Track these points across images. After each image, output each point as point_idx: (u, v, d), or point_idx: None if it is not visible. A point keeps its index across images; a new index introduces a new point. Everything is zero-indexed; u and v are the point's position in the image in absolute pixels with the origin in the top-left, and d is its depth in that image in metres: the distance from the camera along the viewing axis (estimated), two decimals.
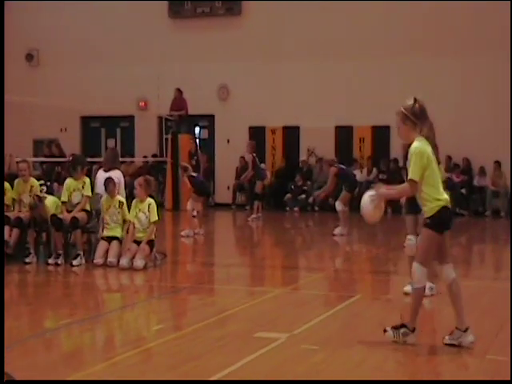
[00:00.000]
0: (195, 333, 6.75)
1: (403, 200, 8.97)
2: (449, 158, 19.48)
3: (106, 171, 11.54)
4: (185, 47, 22.88)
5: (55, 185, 17.13)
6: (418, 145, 6.10)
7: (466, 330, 6.10)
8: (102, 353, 6.29)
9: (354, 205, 19.05)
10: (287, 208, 21.51)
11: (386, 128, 21.18)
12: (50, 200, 11.31)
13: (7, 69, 23.99)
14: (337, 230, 14.89)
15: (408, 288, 8.54)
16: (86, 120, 24.53)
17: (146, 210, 10.61)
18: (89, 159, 17.29)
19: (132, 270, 10.14)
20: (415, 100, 6.19)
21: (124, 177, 12.20)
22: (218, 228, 18.43)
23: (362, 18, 21.21)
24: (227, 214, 21.14)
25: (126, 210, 10.90)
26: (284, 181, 21.98)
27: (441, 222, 6.10)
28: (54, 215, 10.86)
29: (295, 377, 5.36)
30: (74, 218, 10.82)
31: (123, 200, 10.97)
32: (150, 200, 10.75)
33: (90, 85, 23.42)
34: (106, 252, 10.61)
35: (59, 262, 10.69)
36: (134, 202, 10.81)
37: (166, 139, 21.70)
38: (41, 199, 11.08)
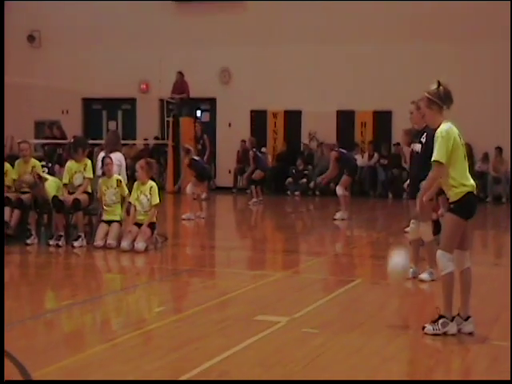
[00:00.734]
0: (196, 315, 6.76)
1: (407, 185, 8.98)
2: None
3: (107, 153, 11.53)
4: (187, 30, 22.78)
5: (56, 167, 17.09)
6: (446, 128, 6.00)
7: (467, 319, 6.09)
8: (102, 334, 6.30)
9: (355, 189, 19.21)
10: (288, 192, 21.51)
11: (388, 113, 21.16)
12: (51, 181, 11.30)
13: (9, 50, 23.92)
14: (337, 215, 14.89)
15: (410, 273, 8.56)
16: (87, 102, 24.47)
17: (147, 192, 10.61)
18: (90, 141, 17.31)
19: (133, 253, 10.15)
20: (439, 83, 6.07)
21: (125, 159, 12.20)
22: (219, 211, 18.44)
23: (364, 2, 21.10)
24: (228, 197, 21.15)
25: (125, 188, 10.89)
26: (285, 165, 21.96)
27: (465, 207, 5.99)
28: (55, 197, 10.86)
29: (295, 360, 5.38)
30: (76, 200, 10.82)
31: (120, 178, 10.96)
32: (151, 183, 10.75)
33: (92, 67, 23.35)
34: (107, 234, 10.62)
35: (60, 243, 10.71)
36: (135, 184, 10.80)
37: (168, 122, 21.68)
38: (41, 178, 11.08)
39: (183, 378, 4.94)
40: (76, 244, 10.66)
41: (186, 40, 22.73)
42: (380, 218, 17.35)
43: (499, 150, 20.02)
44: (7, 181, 11.40)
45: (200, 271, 9.43)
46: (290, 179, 21.67)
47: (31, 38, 24.51)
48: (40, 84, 21.28)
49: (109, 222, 10.72)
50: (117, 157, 11.49)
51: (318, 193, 20.83)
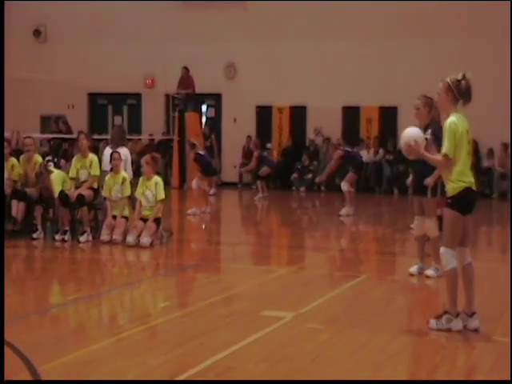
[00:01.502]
0: (201, 310, 6.77)
1: (410, 181, 8.96)
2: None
3: (112, 148, 11.53)
4: (193, 26, 22.76)
5: (62, 161, 17.14)
6: (454, 120, 5.95)
7: (472, 315, 6.09)
8: (108, 329, 6.31)
9: (360, 185, 19.17)
10: (293, 188, 21.51)
11: (394, 109, 21.12)
12: (56, 174, 11.31)
13: (15, 45, 23.94)
14: (343, 211, 14.88)
15: (414, 269, 8.57)
16: (93, 97, 24.49)
17: (152, 187, 10.61)
18: (96, 136, 17.34)
19: (138, 248, 10.16)
20: (464, 76, 5.98)
21: (131, 154, 12.21)
22: (225, 207, 18.45)
23: None
24: (234, 192, 21.15)
25: (128, 187, 10.88)
26: (290, 160, 21.94)
27: (462, 202, 5.96)
28: (61, 191, 10.88)
29: (300, 356, 5.38)
30: (80, 195, 10.83)
31: (126, 176, 10.96)
32: (156, 178, 10.75)
33: (98, 62, 23.35)
34: (113, 229, 10.63)
35: (65, 238, 10.72)
36: (140, 179, 10.81)
37: (173, 117, 21.69)
38: (47, 169, 11.09)
39: (188, 373, 4.94)
40: (81, 239, 10.68)
41: (191, 35, 22.70)
42: (386, 213, 17.34)
43: (505, 145, 19.97)
44: (14, 175, 11.43)
45: (205, 266, 9.44)
46: (295, 175, 21.66)
47: (37, 33, 24.51)
48: (46, 79, 21.29)
49: (114, 218, 10.73)
50: (122, 152, 11.48)
51: (323, 188, 20.82)
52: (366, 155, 20.22)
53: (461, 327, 6.04)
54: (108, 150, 11.60)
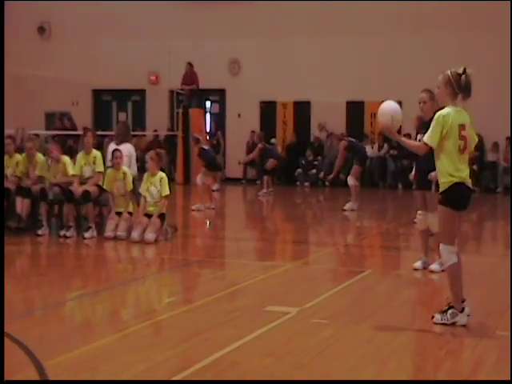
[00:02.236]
0: (206, 306, 6.79)
1: (413, 176, 8.96)
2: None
3: (117, 144, 11.56)
4: (196, 22, 22.77)
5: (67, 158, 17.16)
6: (446, 112, 5.91)
7: (462, 311, 6.07)
8: (113, 324, 6.33)
9: (365, 180, 19.16)
10: (298, 183, 21.52)
11: (398, 103, 21.00)
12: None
13: (19, 42, 23.97)
14: (347, 205, 14.89)
15: (418, 264, 8.58)
16: (97, 93, 24.52)
17: (157, 183, 10.63)
18: (100, 132, 17.37)
19: (143, 243, 10.19)
20: (464, 70, 5.92)
21: (135, 150, 12.23)
22: (229, 202, 18.47)
23: None
24: (238, 188, 21.17)
25: (130, 182, 10.90)
26: (295, 156, 21.95)
27: (453, 198, 5.92)
28: (66, 188, 10.92)
29: (305, 350, 5.40)
30: (86, 192, 10.86)
31: (126, 171, 10.97)
32: (161, 174, 10.77)
33: (102, 58, 23.38)
34: (117, 225, 10.66)
35: (70, 234, 10.75)
36: (145, 175, 10.84)
37: (177, 113, 21.71)
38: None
39: (193, 367, 4.96)
40: (86, 235, 10.70)
41: (195, 31, 22.72)
42: (390, 208, 17.35)
43: (510, 139, 19.94)
44: (18, 172, 11.47)
45: (210, 262, 9.46)
46: (299, 170, 21.67)
47: (41, 30, 24.54)
48: (50, 76, 21.33)
49: (119, 214, 10.76)
50: (127, 148, 11.52)
51: (327, 183, 20.83)
52: (370, 150, 20.22)
53: (465, 322, 6.04)
54: (112, 146, 11.62)
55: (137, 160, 12.09)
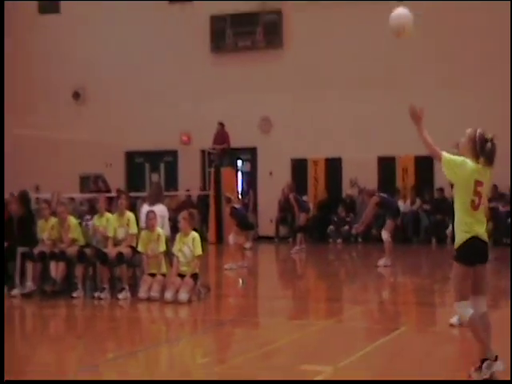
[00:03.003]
0: (240, 366, 6.76)
1: (450, 231, 8.90)
2: (495, 187, 19.25)
3: (150, 205, 11.68)
4: (226, 81, 23.09)
5: None
6: (469, 161, 5.92)
7: (496, 358, 5.87)
8: None
9: (397, 236, 19.02)
10: (330, 240, 21.45)
11: (430, 158, 20.86)
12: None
13: (56, 107, 24.54)
14: (380, 262, 14.78)
15: (454, 320, 8.47)
16: (130, 155, 24.87)
17: (190, 243, 10.69)
18: (133, 194, 17.57)
19: (176, 304, 10.19)
20: (491, 139, 5.93)
21: (168, 210, 12.34)
22: (262, 261, 18.44)
23: (402, 49, 21.19)
24: (270, 246, 21.15)
25: (163, 243, 10.97)
26: (327, 212, 21.93)
27: (465, 254, 5.85)
28: (99, 249, 11.03)
29: None
30: (120, 253, 10.96)
31: (160, 232, 11.06)
32: (193, 234, 10.83)
33: (134, 121, 23.76)
34: (151, 287, 10.69)
35: (104, 296, 10.81)
36: (178, 235, 10.90)
37: (209, 172, 21.91)
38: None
39: None
40: (120, 296, 10.75)
41: (225, 90, 22.99)
42: (424, 264, 17.18)
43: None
44: (53, 235, 11.62)
45: (243, 321, 9.43)
46: (331, 227, 21.62)
47: (76, 95, 25.08)
48: (84, 139, 21.72)
49: (152, 275, 10.80)
50: (160, 208, 11.64)
51: (360, 240, 20.74)
52: (402, 205, 20.13)
53: (503, 368, 5.85)
54: (145, 208, 11.74)
55: (169, 220, 12.19)
